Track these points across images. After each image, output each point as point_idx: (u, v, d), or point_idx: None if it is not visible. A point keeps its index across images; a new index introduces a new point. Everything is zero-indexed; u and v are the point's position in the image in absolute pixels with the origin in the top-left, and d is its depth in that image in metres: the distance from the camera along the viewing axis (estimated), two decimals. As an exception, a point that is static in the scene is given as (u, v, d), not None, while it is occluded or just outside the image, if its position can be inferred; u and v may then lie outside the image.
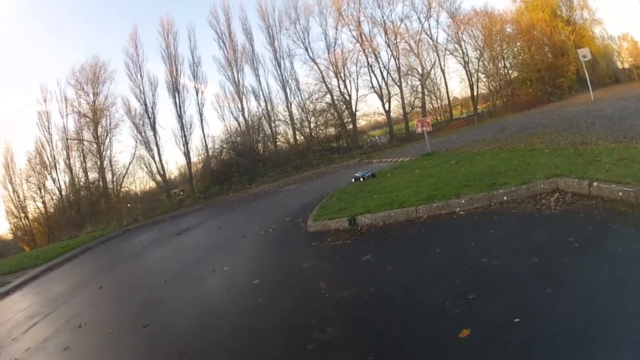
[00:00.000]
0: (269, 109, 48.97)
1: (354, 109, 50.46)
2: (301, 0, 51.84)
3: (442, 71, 53.75)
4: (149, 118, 46.94)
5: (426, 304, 5.90)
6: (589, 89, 36.66)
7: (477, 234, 8.00)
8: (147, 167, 47.06)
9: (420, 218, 10.11)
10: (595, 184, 8.03)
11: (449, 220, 9.45)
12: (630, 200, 7.19)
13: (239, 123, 48.00)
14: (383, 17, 52.37)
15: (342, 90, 50.34)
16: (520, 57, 53.97)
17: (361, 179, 18.06)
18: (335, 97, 49.79)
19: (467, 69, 53.89)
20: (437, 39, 53.95)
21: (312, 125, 48.69)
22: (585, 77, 38.77)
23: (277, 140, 48.76)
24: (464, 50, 54.09)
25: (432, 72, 53.37)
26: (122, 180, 47.64)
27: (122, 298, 11.77)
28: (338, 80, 50.34)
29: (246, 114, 48.42)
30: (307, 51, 50.62)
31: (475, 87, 54.23)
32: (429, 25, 53.96)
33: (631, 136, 13.86)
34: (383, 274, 7.40)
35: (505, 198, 9.40)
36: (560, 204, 8.31)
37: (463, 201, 9.78)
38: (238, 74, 48.76)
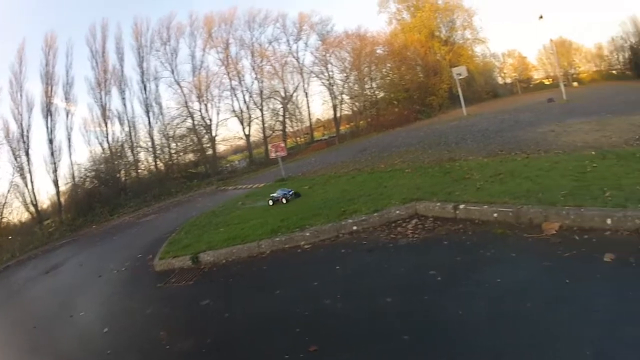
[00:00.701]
0: (132, 134, 46.61)
1: (213, 134, 49.61)
2: (175, 20, 50.22)
3: (305, 93, 54.97)
4: (24, 142, 42.59)
5: (261, 358, 5.37)
6: (462, 105, 38.45)
7: (322, 271, 7.44)
8: (21, 197, 42.75)
9: (262, 254, 9.51)
10: (462, 206, 7.67)
11: (292, 255, 8.88)
12: (509, 221, 6.95)
13: (103, 149, 45.05)
14: (252, 39, 53.02)
15: (203, 115, 49.67)
16: (389, 78, 56.31)
17: (283, 200, 14.28)
18: (196, 122, 48.98)
19: (332, 90, 55.47)
20: (303, 61, 55.35)
21: (172, 151, 47.15)
22: (459, 94, 40.33)
23: (139, 167, 46.47)
24: (330, 73, 55.73)
25: (295, 94, 54.53)
26: (2, 211, 43.18)
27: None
28: (200, 104, 49.66)
29: (110, 139, 45.55)
30: (172, 73, 49.25)
31: (338, 109, 55.86)
32: (297, 47, 55.29)
33: (509, 148, 14.11)
34: (221, 321, 6.80)
35: (355, 228, 8.85)
36: (419, 231, 7.81)
37: (308, 234, 9.21)
38: (105, 96, 45.92)
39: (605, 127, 16.21)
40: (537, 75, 79.65)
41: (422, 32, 59.63)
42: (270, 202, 14.34)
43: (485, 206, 7.35)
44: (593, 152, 11.06)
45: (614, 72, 72.26)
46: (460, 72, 40.04)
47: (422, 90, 53.44)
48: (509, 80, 75.26)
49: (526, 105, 35.25)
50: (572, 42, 78.98)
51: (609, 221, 6.15)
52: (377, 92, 56.75)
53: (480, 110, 39.38)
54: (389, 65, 56.76)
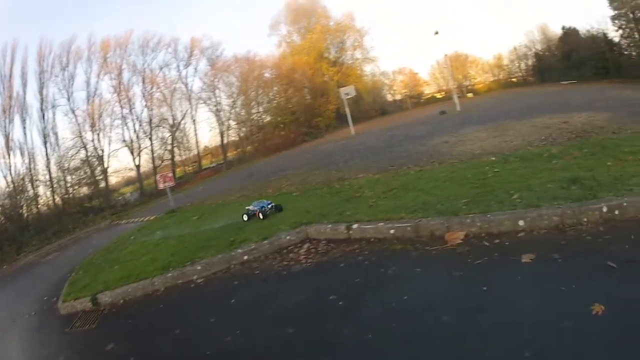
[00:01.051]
0: (32, 166, 43.92)
1: (105, 165, 47.24)
2: (75, 43, 47.78)
3: (193, 121, 53.63)
4: None
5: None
6: (350, 124, 38.92)
7: (218, 306, 7.06)
8: None
9: (157, 292, 8.91)
10: (355, 226, 7.40)
11: (187, 291, 8.40)
12: (408, 236, 6.78)
13: (7, 183, 42.30)
14: (144, 64, 50.91)
15: (96, 145, 46.88)
16: (275, 102, 56.26)
17: (260, 215, 11.47)
18: (89, 153, 46.22)
19: (219, 116, 54.69)
20: (192, 87, 54.15)
21: (67, 184, 44.48)
22: (347, 113, 40.91)
23: (38, 202, 43.80)
24: (217, 99, 54.96)
25: (183, 122, 53.08)
26: None
27: None
28: (93, 134, 46.86)
29: (13, 172, 42.81)
30: (68, 101, 46.10)
31: (225, 135, 55.06)
32: (187, 73, 54.14)
33: (400, 163, 14.01)
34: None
35: (246, 257, 8.41)
36: (313, 255, 7.46)
37: (199, 267, 8.70)
38: (9, 124, 42.99)
39: (506, 132, 16.59)
40: (428, 90, 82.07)
41: (311, 54, 60.36)
42: (245, 217, 11.86)
43: (381, 223, 7.17)
44: (493, 158, 11.27)
45: (514, 79, 75.44)
46: (348, 91, 40.74)
47: (309, 112, 54.00)
48: (398, 97, 76.85)
49: (417, 120, 36.27)
50: (468, 55, 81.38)
51: (521, 223, 6.22)
52: (263, 116, 56.70)
53: (368, 128, 40.32)
54: (275, 88, 56.71)
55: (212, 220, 13.37)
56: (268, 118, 55.85)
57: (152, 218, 22.70)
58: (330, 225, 7.82)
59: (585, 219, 6.14)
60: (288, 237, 8.27)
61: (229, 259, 8.43)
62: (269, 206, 11.80)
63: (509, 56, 76.73)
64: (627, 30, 48.93)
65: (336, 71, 60.99)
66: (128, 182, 51.40)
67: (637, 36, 48.03)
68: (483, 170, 9.77)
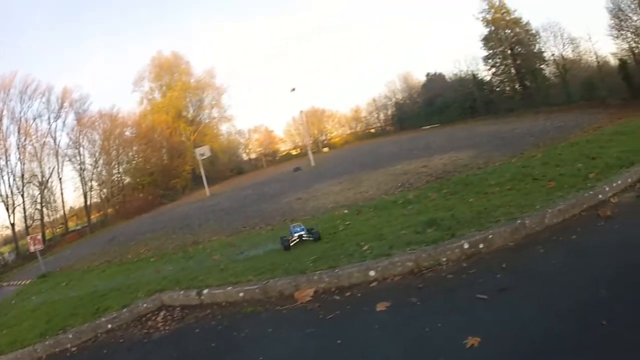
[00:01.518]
0: None
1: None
2: None
3: (60, 179, 50.52)
4: None
5: None
6: (205, 186, 38.84)
7: None
8: None
9: (41, 359, 8.35)
10: (205, 291, 7.50)
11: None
12: (258, 298, 6.85)
13: None
14: (21, 112, 47.85)
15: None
16: (134, 162, 54.95)
17: (296, 238, 9.44)
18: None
19: (82, 176, 51.79)
20: (59, 142, 50.92)
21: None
22: (202, 174, 40.82)
23: None
24: (82, 157, 52.11)
25: (51, 180, 49.90)
26: None
27: None
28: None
29: None
30: None
31: (88, 196, 52.30)
32: (56, 126, 50.81)
33: (253, 223, 14.06)
34: None
35: (110, 326, 8.12)
36: (169, 322, 7.31)
37: (70, 336, 8.25)
38: None
39: (360, 183, 16.99)
40: (284, 147, 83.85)
41: (170, 113, 59.96)
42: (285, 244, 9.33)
43: (229, 287, 7.28)
44: (346, 211, 11.52)
45: (372, 130, 78.56)
46: (203, 152, 40.77)
47: (166, 174, 53.48)
48: (254, 156, 77.79)
49: (271, 178, 36.92)
50: (325, 109, 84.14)
51: (372, 273, 6.30)
52: (124, 177, 55.24)
53: (224, 188, 40.62)
54: (135, 148, 55.47)
55: (79, 287, 12.89)
56: (128, 179, 54.41)
57: (27, 282, 21.43)
58: (182, 292, 7.79)
59: (444, 259, 6.34)
60: (145, 305, 8.11)
61: (95, 327, 8.11)
62: (302, 232, 9.65)
63: (367, 108, 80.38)
64: (502, 67, 52.73)
65: (193, 130, 61.17)
66: (6, 240, 48.44)
67: (513, 71, 51.88)
68: (334, 224, 9.99)
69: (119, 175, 54.10)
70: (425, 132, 49.58)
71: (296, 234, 9.53)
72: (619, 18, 33.95)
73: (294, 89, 45.22)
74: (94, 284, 12.17)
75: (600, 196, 7.90)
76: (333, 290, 6.33)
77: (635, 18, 33.10)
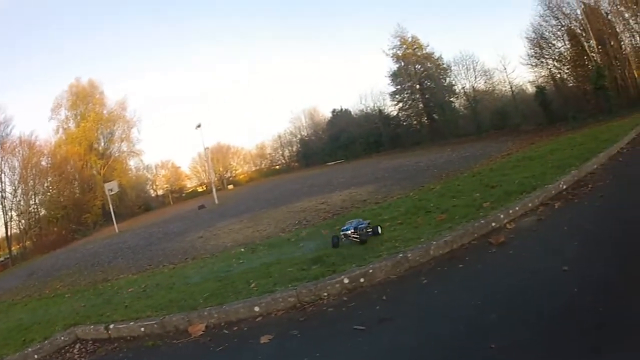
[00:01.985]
0: None
1: None
2: None
3: None
4: None
5: None
6: (114, 222, 38.17)
7: None
8: None
9: None
10: (111, 326, 7.69)
11: None
12: (157, 332, 7.10)
13: None
14: None
15: None
16: (49, 194, 52.49)
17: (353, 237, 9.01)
18: None
19: (3, 205, 49.44)
20: None
21: None
22: (110, 210, 40.15)
23: None
24: (3, 184, 49.91)
25: None
26: None
27: None
28: None
29: None
30: None
31: (9, 226, 49.60)
32: None
33: (158, 261, 14.31)
34: None
35: (36, 356, 8.24)
36: (84, 354, 7.61)
37: None
38: None
39: (260, 221, 17.39)
40: (190, 184, 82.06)
41: (83, 144, 58.18)
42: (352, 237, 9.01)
43: (132, 322, 7.52)
44: (242, 249, 11.86)
45: (277, 167, 78.47)
46: (111, 187, 40.15)
47: (78, 208, 51.47)
48: (161, 192, 76.06)
49: (177, 216, 36.72)
50: (231, 146, 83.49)
51: (257, 308, 6.69)
52: (40, 209, 52.41)
53: (132, 225, 39.97)
54: (50, 179, 53.03)
55: (6, 319, 12.63)
56: (43, 211, 51.77)
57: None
58: (92, 326, 8.05)
59: (325, 294, 6.68)
60: (62, 338, 8.32)
61: (25, 356, 8.20)
62: (363, 227, 9.12)
63: (272, 144, 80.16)
64: (410, 102, 53.83)
65: (103, 164, 59.41)
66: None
67: (421, 106, 53.14)
68: (230, 263, 10.38)
69: (36, 207, 51.60)
70: (329, 168, 50.12)
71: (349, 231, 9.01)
72: (540, 46, 35.85)
73: (199, 125, 44.88)
74: (19, 317, 12.05)
75: (493, 224, 8.20)
76: (222, 325, 6.68)
77: (559, 45, 35.07)
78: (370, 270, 6.91)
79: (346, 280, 6.80)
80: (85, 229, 48.15)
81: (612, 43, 31.72)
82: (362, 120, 60.84)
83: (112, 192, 39.96)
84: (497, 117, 42.60)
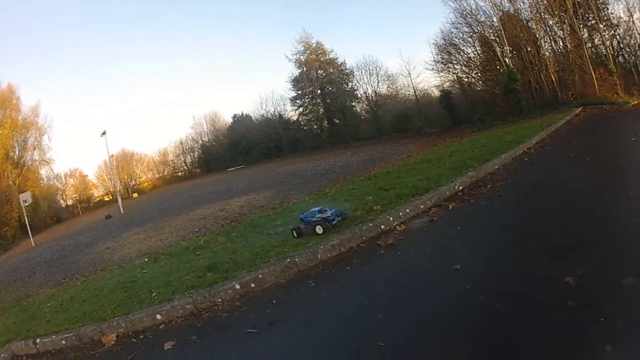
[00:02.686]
0: None
1: None
2: None
3: None
4: None
5: None
6: (30, 235, 37.29)
7: None
8: None
9: None
10: (38, 340, 7.81)
11: None
12: (77, 344, 7.33)
13: None
14: None
15: None
16: None
17: (318, 229, 9.32)
18: None
19: None
20: None
21: None
22: (26, 222, 38.97)
23: None
24: None
25: None
26: None
27: None
28: None
29: None
30: None
31: None
32: None
33: (71, 275, 14.43)
34: None
35: None
36: None
37: None
38: None
39: (162, 230, 18.00)
40: (97, 193, 79.66)
41: (0, 153, 55.36)
42: (295, 234, 9.63)
43: (54, 336, 7.64)
44: (146, 259, 12.20)
45: (179, 174, 78.06)
46: (25, 198, 39.05)
47: None
48: (70, 202, 73.30)
49: (86, 226, 36.22)
50: (135, 153, 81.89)
51: (158, 316, 7.06)
52: None
53: (47, 237, 39.06)
54: None
55: None
56: None
57: None
58: (23, 342, 8.13)
59: (219, 300, 7.06)
60: (2, 355, 8.33)
61: None
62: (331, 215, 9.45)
63: (174, 151, 79.65)
64: (310, 107, 54.55)
65: (18, 174, 56.20)
66: None
67: (322, 111, 53.86)
68: (134, 273, 10.62)
69: None
70: (230, 174, 50.22)
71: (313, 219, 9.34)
72: (449, 52, 36.91)
73: (104, 133, 44.76)
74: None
75: (383, 227, 8.53)
76: (130, 334, 6.94)
77: (468, 50, 36.14)
78: (260, 276, 7.34)
79: (237, 286, 7.22)
80: (6, 243, 45.75)
81: (528, 49, 32.62)
82: (262, 125, 61.42)
83: (27, 204, 38.92)
84: (399, 120, 44.05)
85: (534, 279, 5.01)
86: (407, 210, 9.18)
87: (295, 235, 9.52)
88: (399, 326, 4.76)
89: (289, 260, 7.66)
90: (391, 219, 8.82)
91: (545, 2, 31.58)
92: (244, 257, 8.79)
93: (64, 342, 7.47)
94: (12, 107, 60.15)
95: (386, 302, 5.45)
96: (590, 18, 31.27)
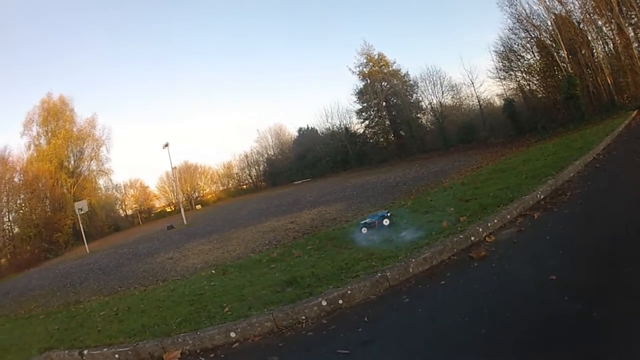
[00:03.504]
0: None
1: None
2: None
3: None
4: None
5: None
6: (85, 242, 37.25)
7: None
8: None
9: None
10: (85, 351, 7.09)
11: None
12: (131, 359, 6.59)
13: None
14: None
15: None
16: (22, 211, 50.94)
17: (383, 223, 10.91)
18: None
19: None
20: None
21: None
22: (81, 229, 39.15)
23: None
24: None
25: None
26: None
27: None
28: None
29: None
30: None
31: None
32: None
33: (128, 283, 13.80)
34: None
35: None
36: None
37: None
38: None
39: (229, 242, 16.98)
40: (158, 204, 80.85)
41: (53, 162, 56.47)
42: (364, 230, 10.76)
43: (105, 349, 6.99)
44: (213, 271, 11.40)
45: (244, 187, 77.80)
46: (81, 206, 39.02)
47: (50, 227, 49.57)
48: (130, 212, 74.52)
49: (146, 236, 35.79)
50: (198, 165, 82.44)
51: (233, 334, 6.28)
52: (13, 227, 50.91)
53: (102, 245, 38.92)
54: (22, 196, 51.72)
55: None
56: (17, 229, 50.25)
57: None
58: (67, 351, 7.46)
59: (303, 317, 6.30)
60: None
61: None
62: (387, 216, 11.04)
63: (239, 164, 79.40)
64: (376, 119, 53.69)
65: (73, 183, 57.74)
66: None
67: (387, 123, 53.21)
68: (201, 285, 9.93)
69: (10, 224, 50.08)
70: (297, 187, 49.51)
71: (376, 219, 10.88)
72: (509, 59, 35.65)
73: (167, 145, 44.59)
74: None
75: (473, 238, 7.93)
76: (198, 352, 6.27)
77: (528, 57, 34.94)
78: (349, 292, 6.59)
79: (324, 303, 6.47)
80: (57, 248, 46.60)
81: (583, 52, 31.73)
82: (328, 139, 60.66)
83: (82, 212, 38.86)
84: (465, 131, 42.67)
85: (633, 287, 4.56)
86: (495, 221, 8.61)
87: (365, 230, 10.65)
88: (503, 342, 4.33)
89: (379, 274, 6.92)
90: (480, 229, 8.22)
91: (592, 2, 30.67)
92: (326, 271, 8.01)
93: (117, 355, 6.74)
94: (66, 119, 62.12)
95: (487, 317, 4.91)
96: (632, 16, 30.38)
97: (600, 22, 31.58)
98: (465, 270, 6.68)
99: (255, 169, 78.70)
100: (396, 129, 54.02)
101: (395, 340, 5.07)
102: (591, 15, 31.43)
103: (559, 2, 32.67)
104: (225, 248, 15.89)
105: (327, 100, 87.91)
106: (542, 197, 9.83)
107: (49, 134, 59.94)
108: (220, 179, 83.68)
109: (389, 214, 11.10)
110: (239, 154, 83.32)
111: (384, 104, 54.10)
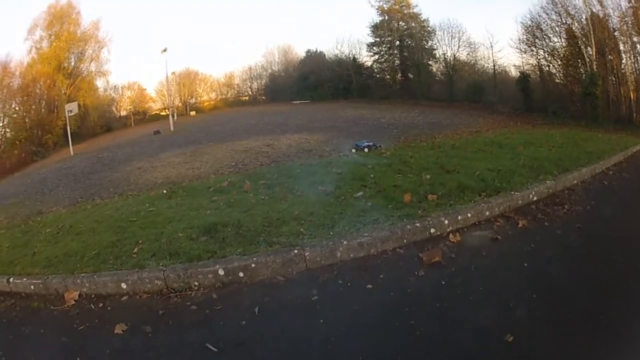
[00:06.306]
0: None
1: None
2: None
3: None
4: None
5: None
6: (70, 144, 37.49)
7: None
8: None
9: None
10: (11, 279, 6.62)
11: None
12: (43, 293, 6.20)
13: None
14: None
15: None
16: (15, 115, 49.87)
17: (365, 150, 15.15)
18: None
19: None
20: None
21: None
22: (68, 131, 39.18)
23: None
24: None
25: None
26: None
27: None
28: None
29: None
30: None
31: None
32: None
33: (90, 193, 13.62)
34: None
35: None
36: None
37: None
38: None
39: (200, 157, 17.04)
40: (155, 107, 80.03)
41: (52, 64, 54.71)
42: (366, 150, 15.02)
43: (25, 278, 6.50)
44: (164, 191, 11.03)
45: (244, 98, 75.73)
46: (71, 108, 39.00)
47: (41, 128, 48.89)
48: (124, 113, 74.58)
49: (131, 139, 35.74)
50: (199, 72, 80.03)
51: (124, 285, 5.76)
52: (7, 132, 49.52)
53: (88, 147, 38.60)
54: (18, 100, 50.92)
55: None
56: (9, 133, 49.54)
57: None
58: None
59: (196, 283, 5.54)
60: None
61: None
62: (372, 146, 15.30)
63: (241, 75, 76.71)
64: (386, 56, 51.78)
65: (70, 84, 56.41)
66: None
67: (397, 62, 51.25)
68: (139, 209, 9.32)
69: (3, 129, 49.69)
70: (293, 107, 49.04)
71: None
72: (534, 35, 34.16)
73: (165, 50, 44.07)
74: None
75: (433, 230, 6.61)
76: (92, 297, 5.79)
77: (554, 39, 33.40)
78: (253, 265, 5.67)
79: (221, 272, 5.63)
80: (45, 150, 46.54)
81: (612, 57, 30.35)
82: (334, 65, 58.48)
83: (72, 114, 38.90)
84: (474, 90, 40.97)
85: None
86: (469, 215, 7.09)
87: (354, 150, 14.86)
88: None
89: (296, 251, 5.86)
90: (446, 222, 6.76)
91: (633, 19, 29.02)
92: (252, 223, 7.06)
93: (32, 287, 6.39)
94: (71, 22, 58.88)
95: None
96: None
97: (635, 39, 30.03)
98: (403, 278, 5.36)
99: (257, 83, 76.20)
100: (405, 70, 51.96)
101: (276, 351, 4.29)
102: (630, 29, 29.91)
103: (598, 2, 30.85)
104: (192, 164, 15.92)
105: (340, 29, 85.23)
106: (534, 199, 8.33)
107: (52, 37, 57.65)
108: (220, 87, 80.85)
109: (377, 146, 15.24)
110: (242, 66, 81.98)
111: (397, 42, 51.96)
